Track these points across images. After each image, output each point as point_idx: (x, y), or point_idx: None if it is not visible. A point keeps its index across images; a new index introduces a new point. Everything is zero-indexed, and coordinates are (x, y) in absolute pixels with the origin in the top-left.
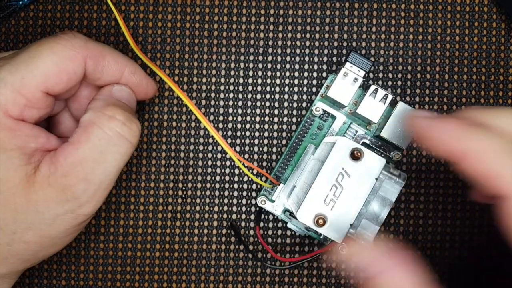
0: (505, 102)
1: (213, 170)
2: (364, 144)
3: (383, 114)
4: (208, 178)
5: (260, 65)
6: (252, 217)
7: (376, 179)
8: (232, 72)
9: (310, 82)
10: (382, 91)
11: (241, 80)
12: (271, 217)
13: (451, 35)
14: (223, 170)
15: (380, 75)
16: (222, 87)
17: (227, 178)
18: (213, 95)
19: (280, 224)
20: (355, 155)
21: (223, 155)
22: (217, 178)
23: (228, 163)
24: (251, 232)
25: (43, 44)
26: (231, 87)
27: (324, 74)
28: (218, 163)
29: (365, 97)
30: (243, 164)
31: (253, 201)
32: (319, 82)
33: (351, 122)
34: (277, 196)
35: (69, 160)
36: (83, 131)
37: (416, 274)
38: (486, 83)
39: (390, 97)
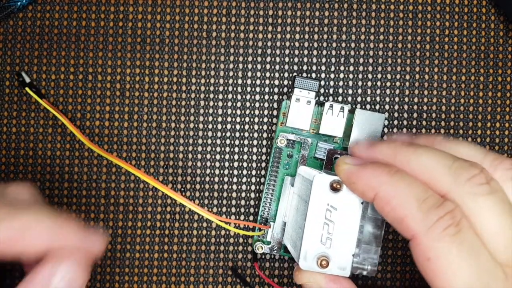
0: (504, 103)
1: (212, 171)
2: (336, 159)
3: (345, 126)
4: (207, 179)
5: (259, 66)
6: (252, 218)
7: (362, 202)
8: (231, 73)
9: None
10: (337, 105)
11: (240, 81)
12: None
13: (449, 36)
14: (221, 172)
15: (379, 76)
16: (220, 88)
17: (226, 179)
18: (212, 96)
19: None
20: (335, 187)
21: (222, 155)
22: (216, 179)
23: (227, 164)
24: (253, 231)
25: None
26: (230, 88)
27: (323, 75)
28: (217, 164)
29: (323, 116)
30: (228, 223)
31: (252, 195)
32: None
33: (318, 141)
34: (271, 236)
35: None
36: None
37: None
38: (484, 84)
39: (346, 108)
